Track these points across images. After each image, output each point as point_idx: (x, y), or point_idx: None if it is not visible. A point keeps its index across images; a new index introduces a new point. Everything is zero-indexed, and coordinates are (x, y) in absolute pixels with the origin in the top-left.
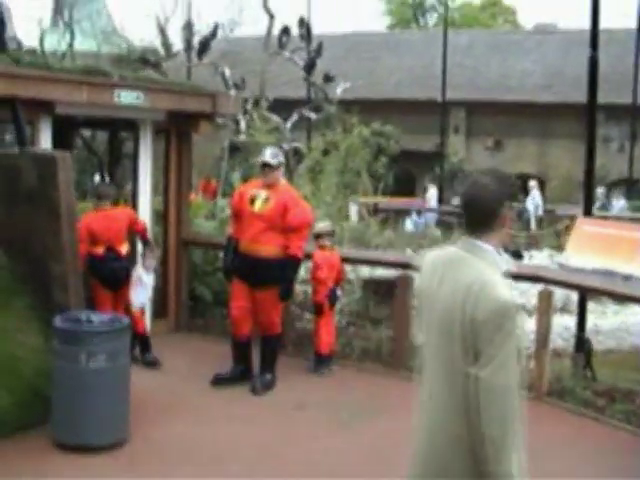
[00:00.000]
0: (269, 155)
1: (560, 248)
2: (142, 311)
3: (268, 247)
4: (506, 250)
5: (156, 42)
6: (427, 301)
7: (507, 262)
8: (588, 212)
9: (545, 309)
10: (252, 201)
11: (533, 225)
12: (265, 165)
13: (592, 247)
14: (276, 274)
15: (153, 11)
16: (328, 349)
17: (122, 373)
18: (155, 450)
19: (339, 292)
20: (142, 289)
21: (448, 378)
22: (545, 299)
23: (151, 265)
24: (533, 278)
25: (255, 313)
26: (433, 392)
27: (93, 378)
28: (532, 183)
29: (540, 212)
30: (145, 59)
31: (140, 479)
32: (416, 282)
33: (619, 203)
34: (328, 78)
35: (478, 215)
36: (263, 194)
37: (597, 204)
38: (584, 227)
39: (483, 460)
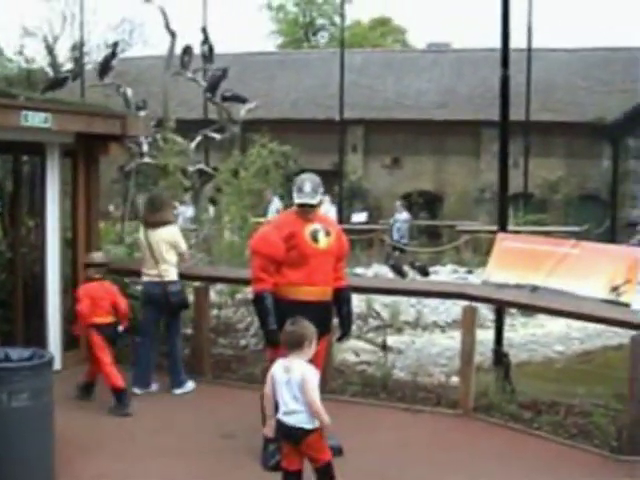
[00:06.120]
0: (310, 194)
1: (461, 263)
2: None
3: (331, 288)
4: (413, 267)
5: (42, 62)
6: None
7: None
8: (503, 227)
9: (469, 325)
10: (314, 238)
11: None
12: (307, 205)
13: (514, 263)
14: (331, 316)
15: (39, 30)
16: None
17: (46, 411)
18: None
19: (120, 328)
20: None
21: None
22: (469, 315)
23: None
24: (459, 295)
25: None
26: None
27: (16, 418)
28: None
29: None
30: (54, 81)
31: None
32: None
33: (401, 216)
34: (239, 99)
35: None
36: (319, 227)
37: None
38: (505, 243)
39: None
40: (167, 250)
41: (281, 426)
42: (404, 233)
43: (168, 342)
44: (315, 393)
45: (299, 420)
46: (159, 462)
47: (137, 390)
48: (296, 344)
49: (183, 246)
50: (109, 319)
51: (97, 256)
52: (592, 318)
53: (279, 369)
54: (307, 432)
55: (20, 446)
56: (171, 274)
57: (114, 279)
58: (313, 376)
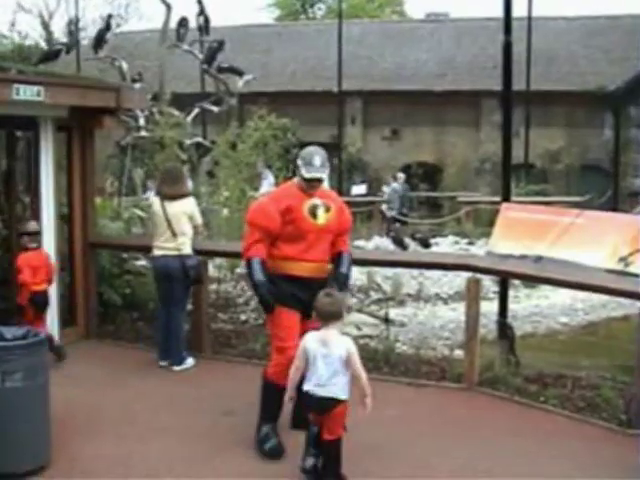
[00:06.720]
0: (320, 168)
1: (462, 234)
2: None
3: (327, 264)
4: (414, 238)
5: (39, 39)
6: None
7: None
8: (506, 198)
9: (474, 298)
10: (313, 214)
11: None
12: (315, 180)
13: (518, 233)
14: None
15: (34, 6)
16: None
17: (41, 392)
18: (82, 471)
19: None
20: None
21: None
22: (473, 288)
23: None
24: (463, 267)
25: None
26: None
27: (10, 398)
28: None
29: None
30: (48, 53)
31: None
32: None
33: (389, 188)
34: (235, 71)
35: None
36: (319, 202)
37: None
38: (509, 213)
39: None
40: (185, 222)
41: (310, 398)
42: (394, 205)
43: (170, 318)
44: (361, 366)
45: (332, 391)
46: (159, 442)
47: (163, 363)
48: (336, 315)
49: (199, 219)
50: (44, 286)
51: (31, 225)
52: (602, 289)
53: (313, 342)
54: (340, 402)
55: (15, 428)
56: (187, 247)
57: (114, 254)
58: (355, 349)
